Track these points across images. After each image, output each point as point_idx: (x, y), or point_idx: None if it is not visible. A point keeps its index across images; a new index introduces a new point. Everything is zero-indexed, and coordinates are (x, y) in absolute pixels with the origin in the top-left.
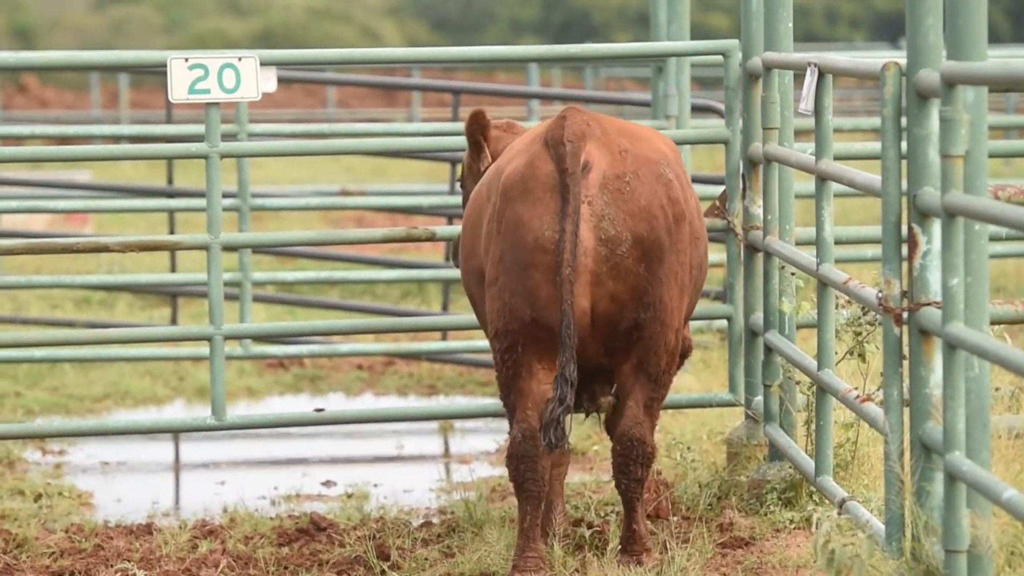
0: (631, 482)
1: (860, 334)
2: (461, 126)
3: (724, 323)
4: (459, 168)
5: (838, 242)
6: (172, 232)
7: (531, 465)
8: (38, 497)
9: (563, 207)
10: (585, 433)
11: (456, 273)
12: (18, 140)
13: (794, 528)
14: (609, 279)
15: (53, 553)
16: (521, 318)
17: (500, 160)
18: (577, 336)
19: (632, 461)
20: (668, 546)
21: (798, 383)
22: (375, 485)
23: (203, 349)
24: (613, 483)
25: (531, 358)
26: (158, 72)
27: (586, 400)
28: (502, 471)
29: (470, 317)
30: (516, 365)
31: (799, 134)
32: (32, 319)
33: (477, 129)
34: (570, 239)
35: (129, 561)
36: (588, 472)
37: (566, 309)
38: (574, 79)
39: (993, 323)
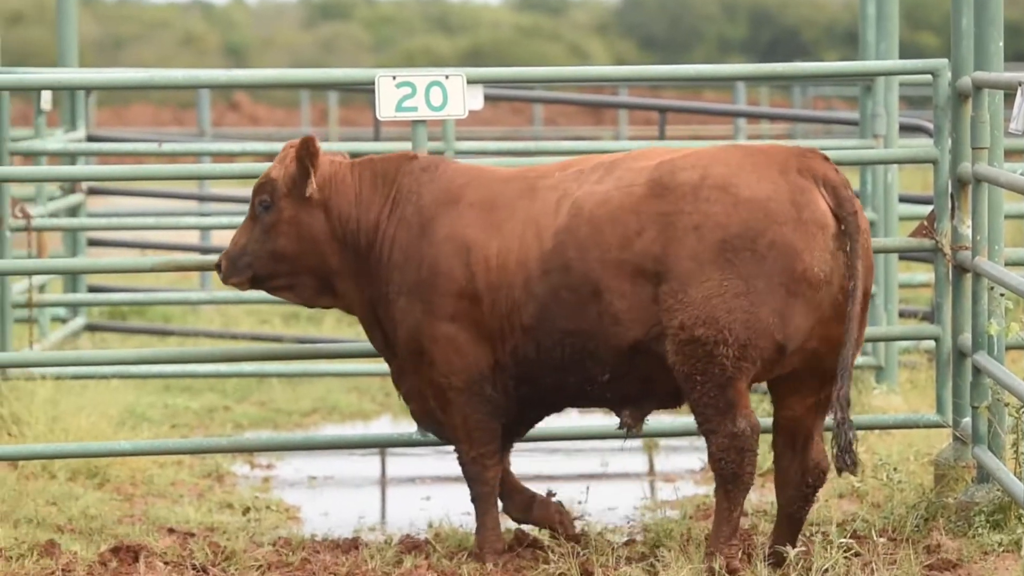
0: (809, 507)
1: None
2: (668, 144)
3: (932, 344)
4: None
5: None
6: None
7: (753, 458)
8: (246, 511)
9: (852, 247)
10: None
11: None
12: (229, 157)
13: (1003, 551)
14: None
15: (261, 566)
16: (771, 336)
17: (718, 172)
18: (798, 370)
19: (816, 491)
20: (874, 567)
21: (1007, 404)
22: (580, 502)
23: None
24: (788, 505)
25: (753, 367)
26: (366, 90)
27: (629, 417)
28: (707, 489)
29: None
30: (742, 371)
31: (1009, 154)
32: (241, 334)
33: (308, 155)
34: (860, 279)
35: (335, 575)
36: None
37: (850, 342)
38: (782, 98)
39: None
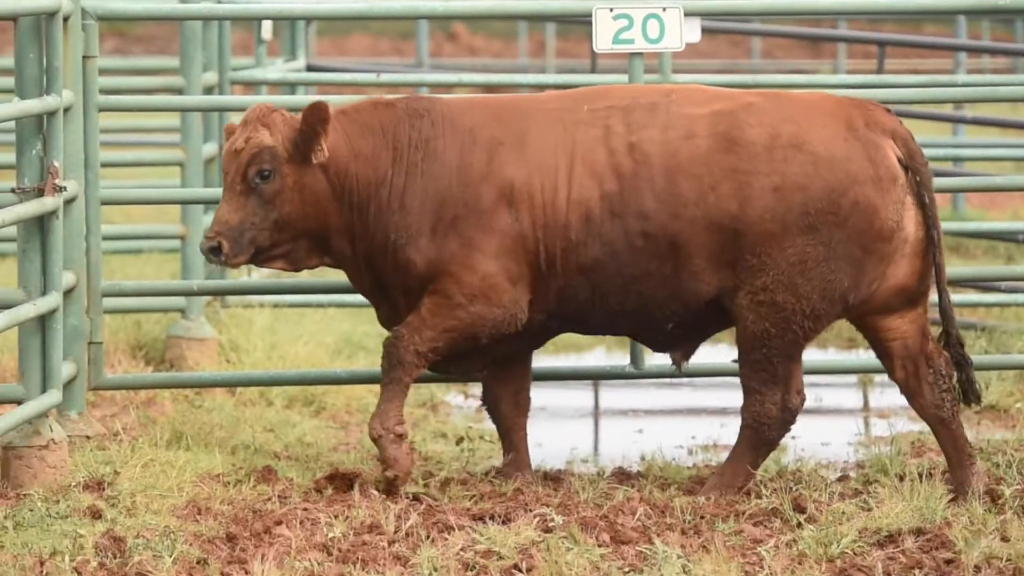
0: (956, 401)
1: None
2: (887, 78)
3: None
4: None
5: None
6: None
7: (787, 431)
8: (460, 440)
9: (930, 198)
10: (1007, 390)
11: None
12: (447, 88)
13: None
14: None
15: (473, 496)
16: (844, 300)
17: (786, 127)
18: (889, 302)
19: (953, 379)
20: None
21: None
22: (793, 437)
23: None
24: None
25: (818, 334)
26: (584, 22)
27: (681, 355)
28: (922, 426)
29: None
30: (808, 340)
31: None
32: None
33: (320, 121)
34: (939, 228)
35: (547, 506)
36: (1010, 430)
37: (946, 299)
38: (1004, 32)
39: None
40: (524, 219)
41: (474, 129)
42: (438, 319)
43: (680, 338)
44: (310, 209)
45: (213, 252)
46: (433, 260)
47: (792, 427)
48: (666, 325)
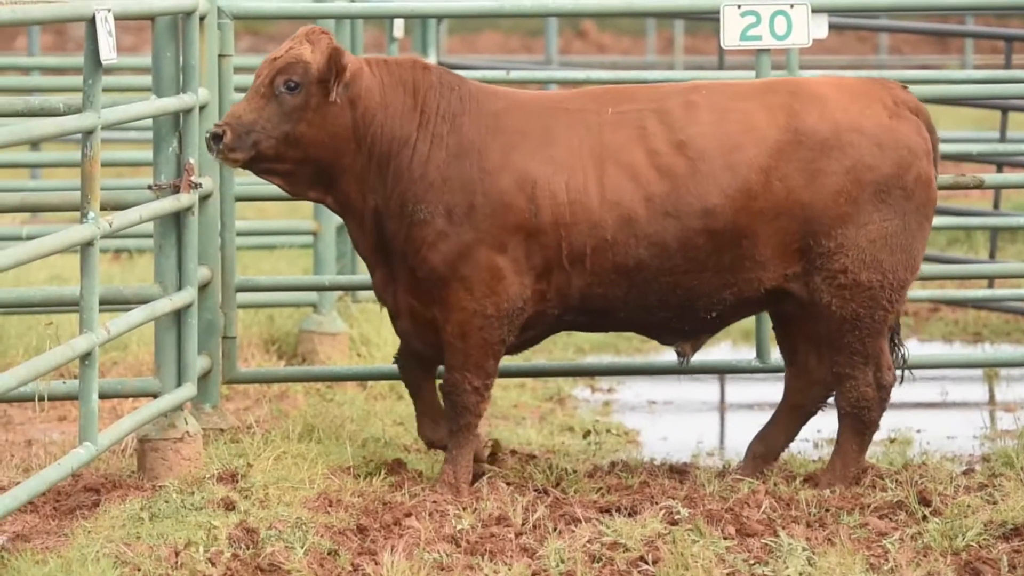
0: None
1: None
2: (1015, 73)
3: None
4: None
5: None
6: None
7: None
8: (587, 434)
9: (937, 175)
10: None
11: (1005, 220)
12: (575, 85)
13: None
14: None
15: (600, 489)
16: (918, 269)
17: (837, 111)
18: None
19: None
20: None
21: None
22: (918, 431)
23: None
24: None
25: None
26: (712, 19)
27: (690, 348)
28: None
29: (1017, 266)
30: (893, 314)
31: None
32: None
33: (336, 67)
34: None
35: (673, 499)
36: None
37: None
38: None
39: None
40: (544, 215)
41: (499, 115)
42: (468, 340)
43: (709, 328)
44: (326, 138)
45: (215, 139)
46: (443, 246)
47: (888, 404)
48: (709, 314)
